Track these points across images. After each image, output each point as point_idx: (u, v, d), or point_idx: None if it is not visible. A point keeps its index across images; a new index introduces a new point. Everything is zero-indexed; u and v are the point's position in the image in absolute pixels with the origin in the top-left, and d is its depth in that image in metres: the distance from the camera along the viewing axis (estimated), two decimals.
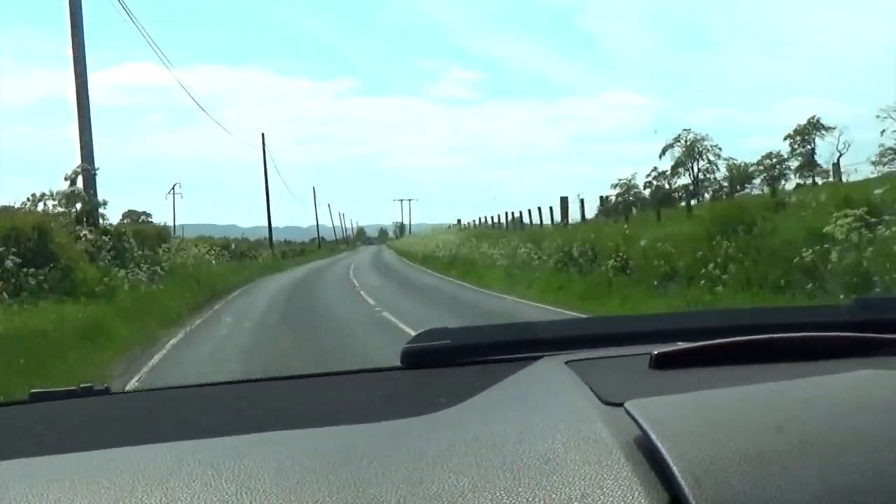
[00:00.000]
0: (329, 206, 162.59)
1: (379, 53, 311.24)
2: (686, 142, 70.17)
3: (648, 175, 73.37)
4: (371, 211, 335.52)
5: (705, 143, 69.28)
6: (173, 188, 72.89)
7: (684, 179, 72.10)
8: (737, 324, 1.37)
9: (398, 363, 1.34)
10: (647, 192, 74.46)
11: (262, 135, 49.87)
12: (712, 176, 70.12)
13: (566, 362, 1.09)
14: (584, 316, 9.02)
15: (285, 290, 22.62)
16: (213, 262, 28.11)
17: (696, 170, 70.54)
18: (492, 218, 37.66)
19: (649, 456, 0.69)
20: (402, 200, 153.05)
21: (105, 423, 1.14)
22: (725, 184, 70.21)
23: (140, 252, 17.76)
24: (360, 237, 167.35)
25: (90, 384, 1.28)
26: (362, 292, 20.40)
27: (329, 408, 1.18)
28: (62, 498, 0.70)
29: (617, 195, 73.66)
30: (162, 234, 23.31)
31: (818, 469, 0.64)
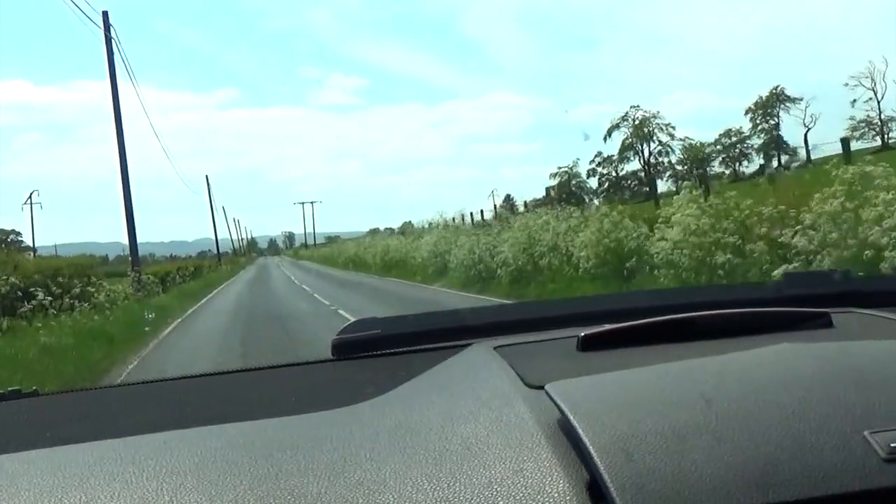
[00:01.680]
0: (224, 208, 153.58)
1: (260, 63, 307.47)
2: (634, 121, 60.12)
3: (592, 161, 63.43)
4: (258, 223, 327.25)
5: (656, 121, 59.23)
6: (30, 197, 61.93)
7: (634, 164, 61.75)
8: (667, 303, 1.38)
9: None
10: (591, 181, 63.59)
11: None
12: (666, 159, 60.03)
13: (495, 347, 1.10)
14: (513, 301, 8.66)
15: None
16: None
17: (647, 153, 60.49)
18: (452, 218, 32.25)
19: (569, 437, 0.70)
20: (303, 203, 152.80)
21: (30, 426, 1.13)
22: (680, 167, 60.03)
23: None
24: (252, 249, 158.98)
25: (18, 388, 1.27)
26: None
27: (258, 401, 1.19)
28: None
29: (558, 185, 63.16)
30: None
31: (736, 442, 0.65)
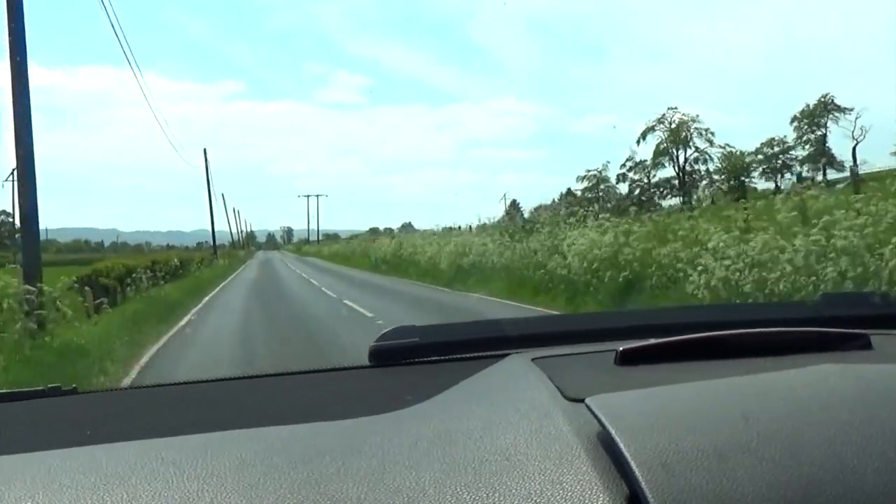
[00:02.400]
0: (223, 196, 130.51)
1: (266, 57, 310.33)
2: (670, 124, 56.49)
3: (623, 166, 59.77)
4: (257, 217, 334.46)
5: (695, 125, 55.57)
6: (12, 173, 59.61)
7: (668, 171, 58.11)
8: (704, 320, 1.38)
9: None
10: (621, 187, 59.76)
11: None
12: (704, 167, 56.23)
13: (533, 359, 1.11)
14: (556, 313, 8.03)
15: None
16: None
17: (682, 159, 56.88)
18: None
19: (609, 451, 0.70)
20: (308, 197, 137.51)
21: (70, 423, 1.14)
22: (718, 177, 56.22)
23: None
24: (250, 242, 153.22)
25: (58, 385, 1.28)
26: None
27: (295, 406, 1.20)
28: (22, 496, 0.71)
29: (583, 190, 59.54)
30: None
31: (778, 462, 0.66)
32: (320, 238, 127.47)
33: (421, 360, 1.37)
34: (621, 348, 1.06)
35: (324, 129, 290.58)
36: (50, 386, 1.27)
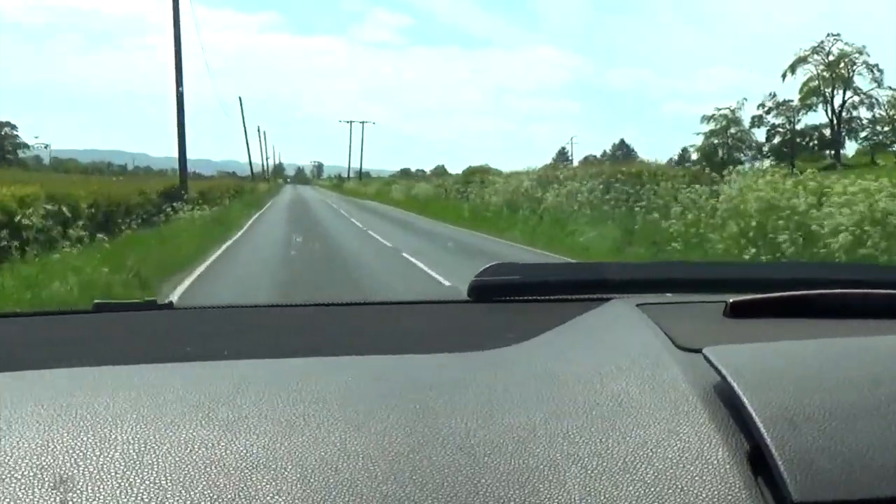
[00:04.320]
0: (259, 129, 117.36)
1: None
2: (827, 56, 44.49)
3: (761, 106, 48.20)
4: (287, 150, 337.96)
5: (861, 58, 43.49)
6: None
7: (817, 117, 46.12)
8: (815, 277, 1.35)
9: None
10: (755, 132, 48.11)
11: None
12: (867, 114, 44.10)
13: (637, 305, 1.09)
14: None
15: None
16: None
17: (838, 102, 44.85)
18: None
19: (729, 404, 0.69)
20: (351, 123, 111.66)
21: (169, 338, 1.17)
22: (881, 128, 44.21)
23: None
24: (278, 174, 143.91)
25: (154, 299, 1.31)
26: None
27: (396, 337, 1.20)
28: (127, 408, 0.72)
29: (708, 134, 48.29)
30: None
31: None
32: (352, 174, 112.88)
33: (521, 297, 1.35)
34: (731, 300, 1.03)
35: (358, 68, 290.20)
36: (147, 299, 1.29)
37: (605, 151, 75.84)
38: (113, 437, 0.67)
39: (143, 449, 0.65)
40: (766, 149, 46.20)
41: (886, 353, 0.77)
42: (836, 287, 1.07)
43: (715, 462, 0.63)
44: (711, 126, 48.25)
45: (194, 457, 0.64)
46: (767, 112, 47.88)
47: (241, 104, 62.90)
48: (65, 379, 0.80)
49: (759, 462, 0.63)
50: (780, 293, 1.04)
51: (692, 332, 0.90)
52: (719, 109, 47.77)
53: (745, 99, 48.06)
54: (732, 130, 47.87)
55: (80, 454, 0.64)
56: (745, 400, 0.66)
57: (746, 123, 48.65)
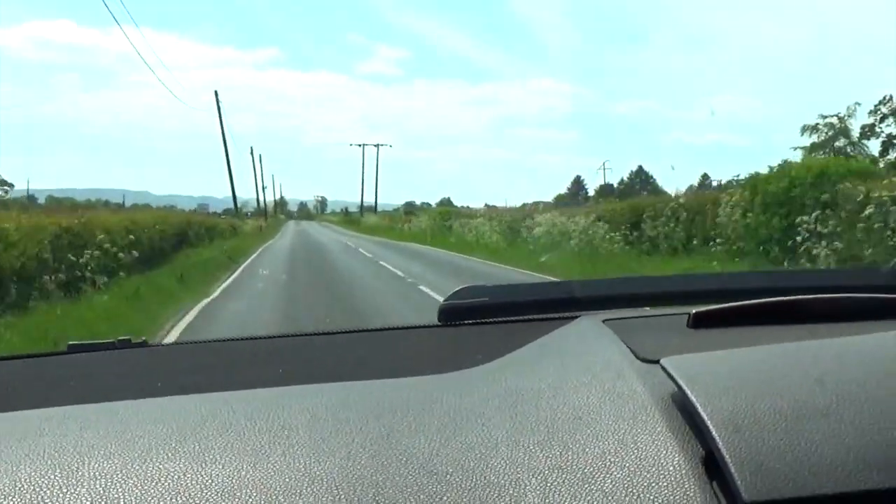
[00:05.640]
0: (252, 151, 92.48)
1: (305, 26, 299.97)
2: None
3: (873, 112, 37.42)
4: (290, 185, 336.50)
5: None
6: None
7: None
8: (774, 285, 1.37)
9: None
10: (867, 143, 38.27)
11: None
12: None
13: (604, 321, 1.12)
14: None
15: None
16: None
17: None
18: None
19: (684, 411, 0.72)
20: (363, 146, 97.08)
21: (141, 376, 1.18)
22: None
23: None
24: (280, 209, 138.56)
25: (128, 337, 1.32)
26: None
27: (365, 363, 1.22)
28: (95, 444, 0.73)
29: (811, 147, 36.47)
30: None
31: (856, 425, 0.66)
32: (354, 207, 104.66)
33: (490, 320, 1.37)
34: (694, 311, 1.06)
35: (359, 101, 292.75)
36: (120, 339, 1.30)
37: (622, 179, 73.70)
38: (80, 473, 0.67)
39: (109, 484, 0.66)
40: (881, 164, 31.77)
41: (836, 353, 0.80)
42: (797, 294, 1.09)
43: (671, 468, 0.65)
44: (813, 139, 36.74)
45: (160, 489, 0.65)
46: (882, 120, 37.09)
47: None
48: (34, 420, 0.81)
49: (713, 466, 0.64)
50: (740, 302, 1.07)
51: (655, 345, 0.92)
52: (824, 117, 36.83)
53: (858, 104, 36.95)
54: (840, 143, 36.38)
55: (47, 492, 0.65)
56: (697, 406, 0.68)
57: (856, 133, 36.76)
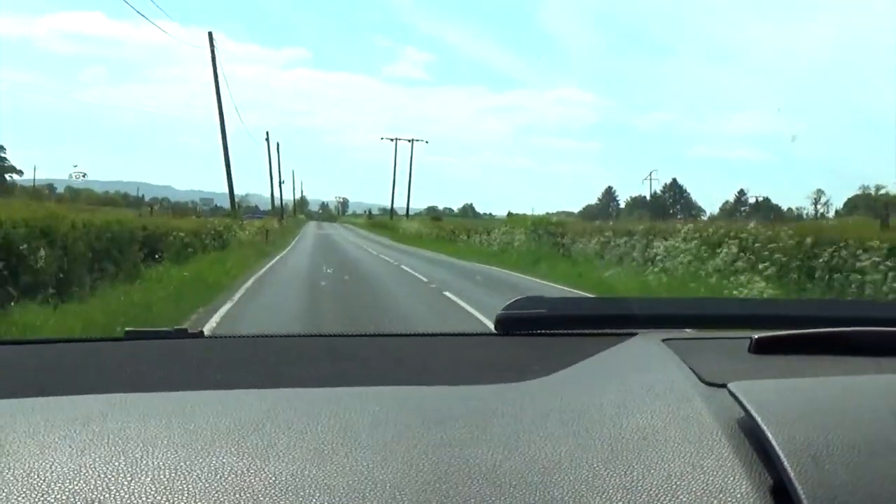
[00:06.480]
0: (268, 136, 75.35)
1: (333, 27, 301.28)
2: None
3: None
4: (311, 185, 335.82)
5: None
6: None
7: None
8: (838, 315, 1.34)
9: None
10: None
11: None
12: None
13: (663, 340, 1.11)
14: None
15: None
16: None
17: None
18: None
19: (752, 439, 0.71)
20: (395, 140, 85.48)
21: (199, 366, 1.19)
22: None
23: None
24: (301, 209, 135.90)
25: (185, 328, 1.34)
26: None
27: (424, 368, 1.23)
28: (158, 434, 0.74)
29: None
30: None
31: None
32: (377, 210, 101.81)
33: (547, 331, 1.37)
34: (756, 336, 1.05)
35: (382, 104, 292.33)
36: (177, 328, 1.32)
37: (654, 192, 73.24)
38: (144, 462, 0.68)
39: (173, 475, 0.66)
40: None
41: None
42: (861, 325, 1.08)
43: (738, 496, 0.64)
44: None
45: (224, 483, 0.65)
46: None
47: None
48: (97, 405, 0.81)
49: (781, 496, 0.64)
50: (805, 330, 1.06)
51: (717, 368, 0.92)
52: None
53: None
54: None
55: (112, 479, 0.65)
56: (769, 434, 0.68)
57: None
